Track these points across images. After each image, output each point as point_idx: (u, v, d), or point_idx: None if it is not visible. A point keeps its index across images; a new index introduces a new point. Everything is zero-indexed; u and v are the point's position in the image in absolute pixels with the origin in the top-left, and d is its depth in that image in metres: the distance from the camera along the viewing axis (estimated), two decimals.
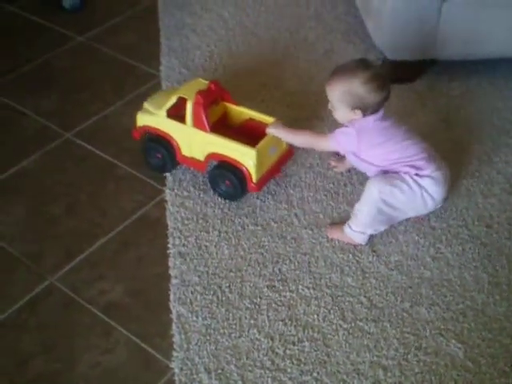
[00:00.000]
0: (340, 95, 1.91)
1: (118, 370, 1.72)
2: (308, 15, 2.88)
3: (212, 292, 1.86)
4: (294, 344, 1.75)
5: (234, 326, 1.79)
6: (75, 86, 2.59)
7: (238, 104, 2.19)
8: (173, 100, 2.11)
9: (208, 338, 1.76)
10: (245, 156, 2.02)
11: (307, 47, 2.70)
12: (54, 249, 2.00)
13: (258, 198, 2.11)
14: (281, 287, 1.88)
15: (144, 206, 2.11)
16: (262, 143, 2.04)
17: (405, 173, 1.91)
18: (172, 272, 1.92)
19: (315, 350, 1.74)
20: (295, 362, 1.71)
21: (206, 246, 1.98)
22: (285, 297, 1.86)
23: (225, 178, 2.07)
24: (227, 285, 1.88)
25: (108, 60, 2.71)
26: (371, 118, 1.92)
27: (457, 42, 2.40)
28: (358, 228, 1.95)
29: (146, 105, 2.19)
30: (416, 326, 1.79)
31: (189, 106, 2.06)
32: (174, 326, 1.79)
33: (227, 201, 2.10)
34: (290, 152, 2.17)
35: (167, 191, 2.14)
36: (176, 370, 1.70)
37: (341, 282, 1.89)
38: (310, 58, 2.65)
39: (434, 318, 1.81)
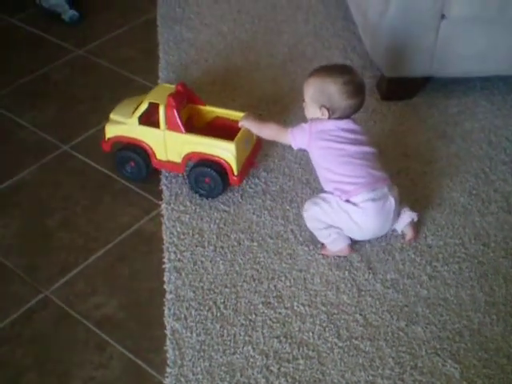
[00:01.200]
0: (313, 92, 1.95)
1: None
2: (306, 31, 2.88)
3: (207, 308, 1.86)
4: (288, 362, 1.74)
5: (228, 343, 1.78)
6: (73, 99, 2.59)
7: (204, 104, 2.23)
8: (144, 106, 2.13)
9: (202, 354, 1.75)
10: (224, 150, 2.06)
11: (305, 63, 2.70)
12: (49, 262, 2.00)
13: (254, 214, 2.11)
14: (276, 304, 1.87)
15: (140, 220, 2.11)
16: (238, 136, 2.08)
17: (336, 195, 1.91)
18: (167, 287, 1.91)
19: (310, 368, 1.72)
20: (290, 380, 1.70)
21: (201, 262, 1.97)
22: (280, 314, 1.85)
23: (205, 175, 2.09)
24: (222, 301, 1.87)
25: (106, 73, 2.71)
26: (332, 121, 1.94)
27: (454, 59, 2.40)
28: (322, 240, 1.97)
29: (112, 116, 2.21)
30: (412, 345, 1.78)
31: (161, 110, 2.08)
32: (168, 342, 1.78)
33: (223, 216, 2.10)
34: (260, 144, 2.22)
35: (163, 205, 2.13)
36: None
37: (336, 299, 1.88)
38: (307, 73, 2.63)
39: (430, 337, 1.80)
